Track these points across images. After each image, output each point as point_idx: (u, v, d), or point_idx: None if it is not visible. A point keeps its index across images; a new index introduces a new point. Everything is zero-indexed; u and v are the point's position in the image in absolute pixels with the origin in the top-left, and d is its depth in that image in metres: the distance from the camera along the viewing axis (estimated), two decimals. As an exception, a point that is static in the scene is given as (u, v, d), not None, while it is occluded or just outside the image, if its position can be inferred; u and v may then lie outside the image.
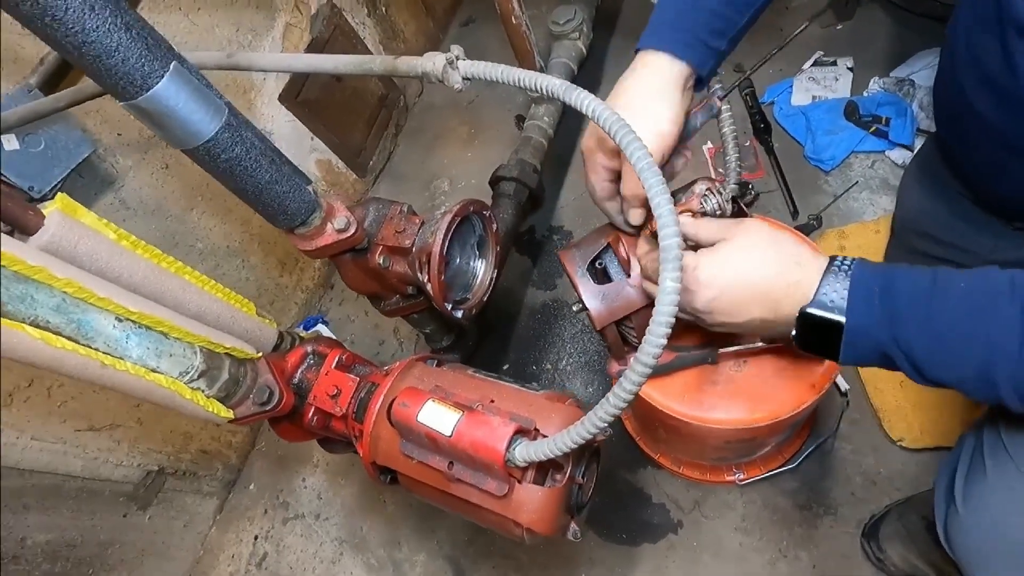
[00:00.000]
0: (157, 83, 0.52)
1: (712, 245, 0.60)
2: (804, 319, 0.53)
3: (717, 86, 0.68)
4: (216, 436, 1.44)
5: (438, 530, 1.29)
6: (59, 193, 0.59)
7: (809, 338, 0.54)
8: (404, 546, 1.30)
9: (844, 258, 0.55)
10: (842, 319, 0.51)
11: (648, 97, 0.63)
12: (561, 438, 0.50)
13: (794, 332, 0.55)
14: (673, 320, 0.45)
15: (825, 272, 0.54)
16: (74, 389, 1.12)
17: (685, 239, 0.62)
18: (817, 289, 0.53)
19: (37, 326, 0.48)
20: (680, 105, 0.64)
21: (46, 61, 0.99)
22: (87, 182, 1.09)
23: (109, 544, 1.24)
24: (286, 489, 1.46)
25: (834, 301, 0.52)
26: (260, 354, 0.71)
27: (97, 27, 0.46)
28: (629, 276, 0.68)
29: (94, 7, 0.46)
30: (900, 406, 1.12)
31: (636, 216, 0.66)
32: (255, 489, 1.48)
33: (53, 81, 0.99)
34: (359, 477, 1.41)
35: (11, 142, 0.93)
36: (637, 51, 0.66)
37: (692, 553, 1.14)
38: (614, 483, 1.22)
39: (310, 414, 0.73)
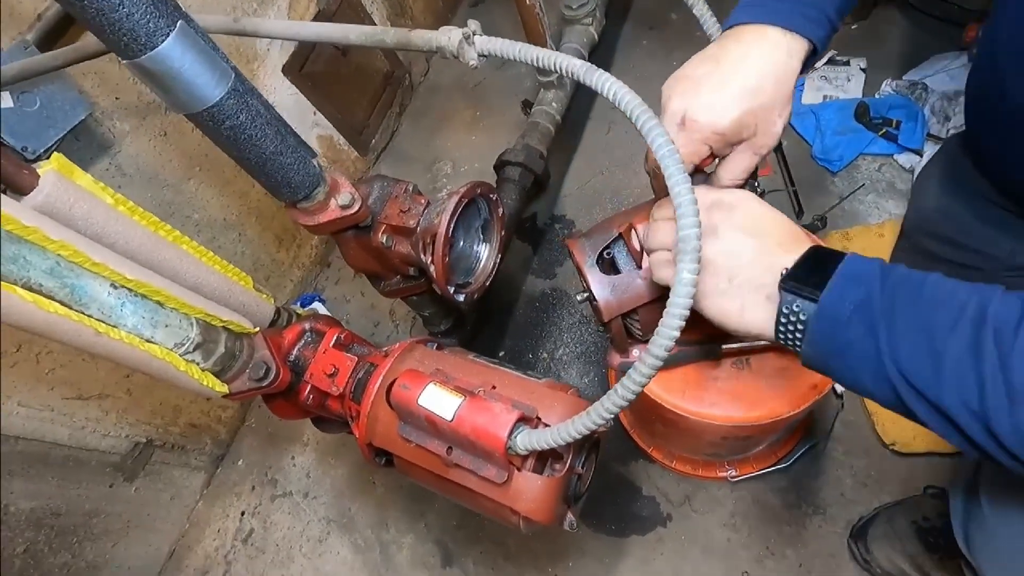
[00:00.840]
0: (162, 42, 0.50)
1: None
2: (810, 252, 0.52)
3: None
4: (206, 410, 1.43)
5: (427, 513, 1.29)
6: (55, 153, 0.57)
7: (800, 272, 0.51)
8: (392, 528, 1.30)
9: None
10: (845, 253, 0.50)
11: (784, 82, 0.57)
12: (565, 428, 0.49)
13: (787, 268, 0.51)
14: (688, 312, 0.44)
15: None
16: (63, 356, 1.10)
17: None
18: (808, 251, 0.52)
19: (30, 289, 0.46)
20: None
21: (44, 17, 0.95)
22: (83, 145, 1.06)
23: (94, 514, 1.23)
24: (275, 466, 1.45)
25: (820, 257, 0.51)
26: (257, 329, 0.69)
27: (101, -22, 0.44)
28: (640, 268, 0.67)
29: (99, -43, 0.44)
30: None
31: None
32: (243, 465, 1.48)
33: (51, 38, 0.96)
34: (349, 458, 1.40)
35: (5, 100, 0.90)
36: (740, 23, 0.59)
37: (680, 547, 1.14)
38: (606, 475, 1.22)
39: (306, 392, 0.72)
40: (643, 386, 0.45)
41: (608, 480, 1.21)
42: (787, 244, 0.53)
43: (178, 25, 0.51)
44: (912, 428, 1.10)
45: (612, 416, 0.47)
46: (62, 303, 0.48)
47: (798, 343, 0.51)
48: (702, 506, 1.16)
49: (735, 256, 0.54)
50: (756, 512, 1.13)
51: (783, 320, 0.50)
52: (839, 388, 1.16)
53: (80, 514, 1.20)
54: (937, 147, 1.27)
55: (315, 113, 1.53)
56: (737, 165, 0.60)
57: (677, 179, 0.44)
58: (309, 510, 1.37)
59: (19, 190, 0.55)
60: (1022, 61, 0.63)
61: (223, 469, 1.48)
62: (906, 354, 0.44)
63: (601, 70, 0.49)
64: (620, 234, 0.68)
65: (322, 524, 1.35)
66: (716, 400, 0.78)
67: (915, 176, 1.09)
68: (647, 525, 1.17)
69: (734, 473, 1.11)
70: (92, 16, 0.46)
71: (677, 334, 0.44)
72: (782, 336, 0.51)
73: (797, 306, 0.49)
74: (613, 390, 0.47)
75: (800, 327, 0.49)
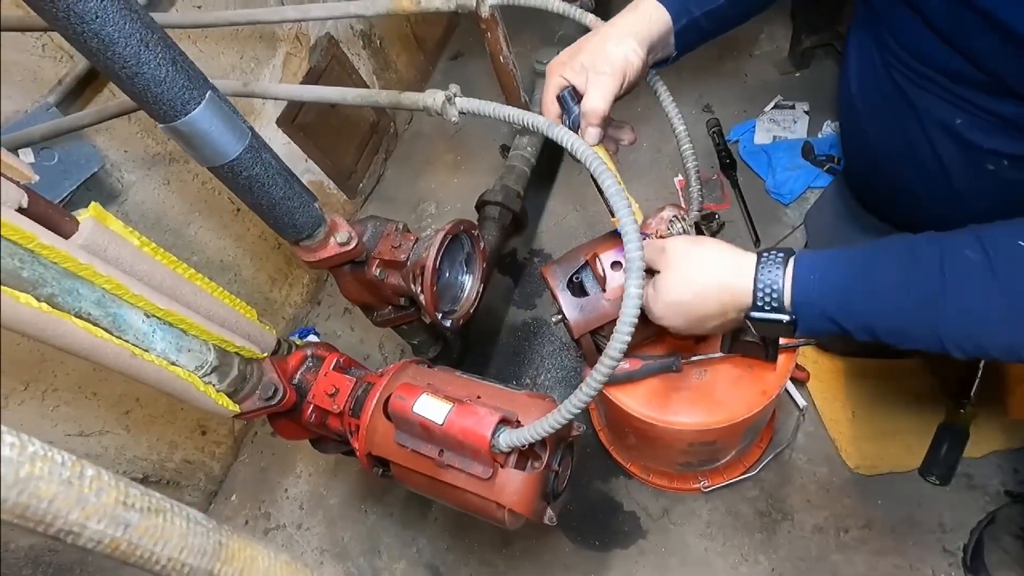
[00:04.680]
0: (194, 110, 0.59)
1: (652, 268, 0.67)
2: (753, 320, 0.61)
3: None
4: (200, 446, 1.47)
5: (418, 539, 1.33)
6: (92, 203, 0.66)
7: (766, 329, 0.62)
8: (384, 555, 1.34)
9: (770, 251, 0.61)
10: (783, 317, 0.58)
11: (626, 32, 0.69)
12: (540, 424, 0.57)
13: (746, 312, 0.61)
14: (636, 320, 0.53)
15: (757, 268, 0.60)
16: (67, 394, 1.15)
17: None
18: (754, 291, 0.60)
19: (80, 317, 0.54)
20: (646, 46, 0.69)
21: (64, 81, 1.05)
22: (93, 195, 1.14)
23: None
24: (268, 500, 1.48)
25: (773, 296, 0.58)
26: (265, 354, 0.77)
27: (150, 61, 0.54)
28: (604, 291, 0.76)
29: (149, 44, 0.54)
30: (854, 436, 1.21)
31: (592, 135, 0.69)
32: (237, 500, 1.51)
33: (70, 100, 1.06)
34: (341, 488, 1.45)
35: (27, 155, 0.99)
36: None
37: (660, 558, 1.20)
38: (588, 492, 1.28)
39: (309, 411, 0.79)
40: (603, 383, 0.54)
41: (590, 498, 1.28)
42: (721, 309, 0.63)
43: (207, 95, 0.61)
44: (873, 452, 1.20)
45: (579, 411, 0.56)
46: (105, 329, 0.56)
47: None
48: (679, 518, 1.23)
49: (688, 307, 0.64)
50: (730, 521, 1.21)
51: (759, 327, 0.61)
52: (801, 403, 1.25)
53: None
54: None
55: (306, 160, 1.64)
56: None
57: (623, 212, 0.54)
58: (303, 541, 1.41)
59: (62, 235, 0.63)
60: (872, 106, 0.76)
61: (216, 504, 1.51)
62: (883, 334, 0.56)
63: (560, 126, 0.60)
64: (587, 261, 0.78)
65: (316, 554, 1.38)
66: (679, 408, 0.86)
67: (806, 215, 1.21)
68: (628, 539, 1.23)
69: (707, 483, 1.18)
70: (138, 90, 0.56)
71: (628, 338, 0.53)
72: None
73: (771, 322, 0.60)
74: (579, 389, 0.55)
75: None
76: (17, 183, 0.58)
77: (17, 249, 0.49)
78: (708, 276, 0.62)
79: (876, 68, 0.78)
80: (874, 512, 1.16)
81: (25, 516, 0.21)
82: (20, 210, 0.56)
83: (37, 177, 0.59)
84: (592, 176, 0.57)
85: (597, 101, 0.67)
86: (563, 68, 0.70)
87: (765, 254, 0.61)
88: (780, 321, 0.59)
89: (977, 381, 1.16)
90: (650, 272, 0.68)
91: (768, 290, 0.59)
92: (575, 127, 0.70)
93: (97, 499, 0.23)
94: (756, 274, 0.60)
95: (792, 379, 1.25)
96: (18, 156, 0.98)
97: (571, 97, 0.70)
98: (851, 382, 1.28)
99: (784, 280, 0.58)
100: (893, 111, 0.78)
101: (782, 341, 0.88)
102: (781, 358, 0.87)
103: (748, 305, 0.60)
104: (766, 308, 0.59)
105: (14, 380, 1.06)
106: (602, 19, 0.76)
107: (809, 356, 1.31)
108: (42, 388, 1.10)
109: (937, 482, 1.13)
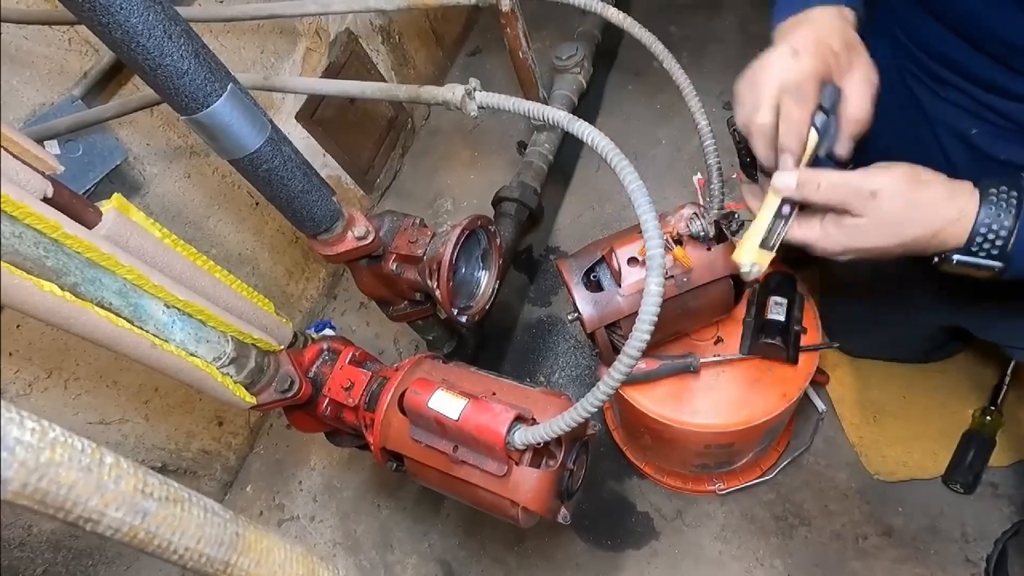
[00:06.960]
0: (215, 102, 0.60)
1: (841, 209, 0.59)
2: (950, 263, 0.55)
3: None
4: (217, 437, 1.49)
5: (430, 533, 1.34)
6: (115, 194, 0.66)
7: (958, 271, 0.55)
8: (396, 549, 1.35)
9: (1000, 190, 0.53)
10: (995, 264, 0.52)
11: (851, 44, 0.60)
12: (556, 422, 0.57)
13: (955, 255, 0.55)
14: (656, 319, 0.52)
15: (980, 212, 0.53)
16: (89, 383, 1.17)
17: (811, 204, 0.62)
18: (971, 237, 0.53)
19: (102, 307, 0.54)
20: None
21: (89, 74, 1.07)
22: (116, 187, 1.16)
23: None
24: (282, 491, 1.50)
25: (995, 243, 0.52)
26: (282, 347, 0.77)
27: (173, 53, 0.54)
28: (620, 286, 0.75)
29: (172, 36, 0.54)
30: (876, 441, 1.19)
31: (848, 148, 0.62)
32: (252, 491, 1.52)
33: (94, 93, 1.07)
34: (354, 481, 1.46)
35: (53, 147, 1.00)
36: (789, 13, 0.62)
37: (673, 560, 1.19)
38: (601, 492, 1.27)
39: (324, 405, 0.79)
40: (621, 381, 0.53)
41: (603, 497, 1.27)
42: (946, 237, 0.54)
43: (229, 88, 0.61)
44: (894, 458, 1.17)
45: (595, 409, 0.55)
46: (127, 319, 0.56)
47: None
48: (694, 520, 1.21)
49: (879, 252, 0.57)
50: (745, 524, 1.19)
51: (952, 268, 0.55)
52: (820, 407, 1.23)
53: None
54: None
55: (324, 155, 1.65)
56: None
57: (644, 208, 0.53)
58: (316, 533, 1.42)
59: (85, 225, 0.64)
60: (884, 112, 0.68)
61: (232, 495, 1.52)
62: None
63: (581, 120, 0.59)
64: (603, 256, 0.77)
65: (328, 547, 1.39)
66: (696, 409, 0.85)
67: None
68: (641, 540, 1.22)
69: (722, 486, 1.17)
70: (161, 82, 0.56)
71: (648, 336, 0.52)
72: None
73: (973, 266, 0.54)
74: (596, 387, 0.55)
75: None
76: (42, 173, 0.59)
77: (41, 238, 0.50)
78: (926, 227, 0.54)
79: (891, 73, 0.75)
80: (894, 519, 1.13)
81: (45, 502, 0.21)
82: (45, 200, 0.57)
83: (62, 168, 0.60)
84: (615, 171, 0.56)
85: (867, 109, 0.59)
86: (812, 96, 0.58)
87: (995, 195, 0.53)
88: (988, 267, 0.53)
89: (1005, 388, 1.13)
90: (822, 208, 0.61)
91: (991, 236, 0.52)
92: (832, 144, 0.63)
93: (116, 487, 0.23)
94: (978, 218, 0.53)
95: (812, 382, 1.23)
96: (44, 147, 1.01)
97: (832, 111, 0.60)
98: (873, 386, 1.25)
99: (1015, 227, 0.51)
100: (906, 118, 0.76)
101: (803, 343, 0.87)
102: (802, 360, 0.85)
103: (953, 249, 0.54)
104: (980, 254, 0.53)
105: (37, 368, 1.08)
106: (622, 11, 0.75)
107: (830, 359, 1.28)
108: (65, 376, 1.12)
109: (961, 490, 1.10)
